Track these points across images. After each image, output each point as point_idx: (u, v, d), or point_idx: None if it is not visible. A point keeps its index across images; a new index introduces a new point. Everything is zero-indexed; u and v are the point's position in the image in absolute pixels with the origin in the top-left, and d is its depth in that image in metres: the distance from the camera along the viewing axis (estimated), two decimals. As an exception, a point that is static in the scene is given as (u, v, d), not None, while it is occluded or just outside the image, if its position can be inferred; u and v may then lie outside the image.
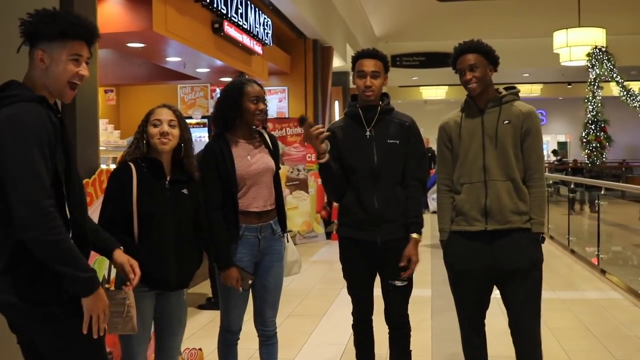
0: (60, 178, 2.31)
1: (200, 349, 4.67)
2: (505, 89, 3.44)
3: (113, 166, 3.94)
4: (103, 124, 7.61)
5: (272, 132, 10.51)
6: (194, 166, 3.19)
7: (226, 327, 3.57)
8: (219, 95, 3.62)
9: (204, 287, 6.82)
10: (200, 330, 5.63)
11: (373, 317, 3.67)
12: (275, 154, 3.60)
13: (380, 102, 3.54)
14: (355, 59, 3.53)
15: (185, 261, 3.12)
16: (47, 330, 2.31)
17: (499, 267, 3.31)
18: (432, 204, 9.49)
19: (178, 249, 3.06)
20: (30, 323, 2.31)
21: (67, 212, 2.35)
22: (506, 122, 3.31)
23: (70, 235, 2.33)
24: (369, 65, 3.45)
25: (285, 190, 9.92)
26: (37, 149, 2.17)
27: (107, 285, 2.87)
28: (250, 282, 3.42)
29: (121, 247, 2.76)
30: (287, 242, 3.69)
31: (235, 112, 3.45)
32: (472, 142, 3.35)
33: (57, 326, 2.30)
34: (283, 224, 3.63)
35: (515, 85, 3.51)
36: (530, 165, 3.33)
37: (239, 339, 3.61)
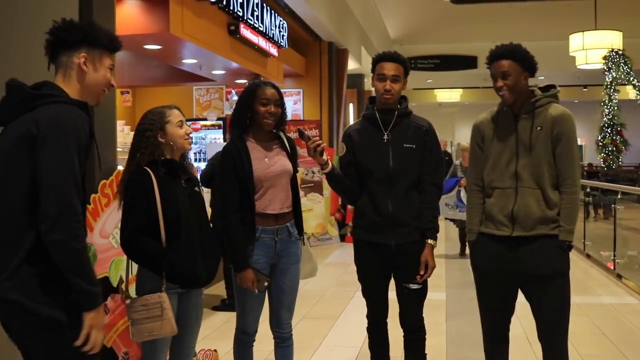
0: (85, 184, 2.32)
1: (215, 350, 4.69)
2: (543, 88, 3.33)
3: (120, 168, 3.93)
4: (120, 126, 7.67)
5: (287, 134, 10.51)
6: (191, 165, 3.29)
7: (242, 329, 3.58)
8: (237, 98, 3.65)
9: (219, 289, 6.83)
10: (215, 331, 5.64)
11: (388, 320, 3.68)
12: (293, 156, 3.60)
13: (398, 106, 3.53)
14: (376, 61, 3.50)
15: (210, 257, 3.18)
16: (44, 336, 2.25)
17: (522, 273, 3.27)
18: (445, 210, 9.11)
19: (202, 246, 3.13)
20: (29, 326, 2.24)
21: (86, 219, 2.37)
22: (539, 128, 3.23)
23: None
24: (390, 68, 3.43)
25: (300, 193, 9.93)
26: (76, 152, 2.18)
27: (122, 286, 2.91)
28: (265, 284, 3.43)
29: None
30: (304, 244, 3.70)
31: (247, 114, 3.48)
32: (505, 148, 3.29)
33: (55, 335, 2.25)
34: (300, 227, 3.63)
35: (553, 84, 3.38)
36: (562, 171, 3.24)
37: (254, 340, 3.62)
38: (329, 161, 3.44)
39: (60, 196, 2.14)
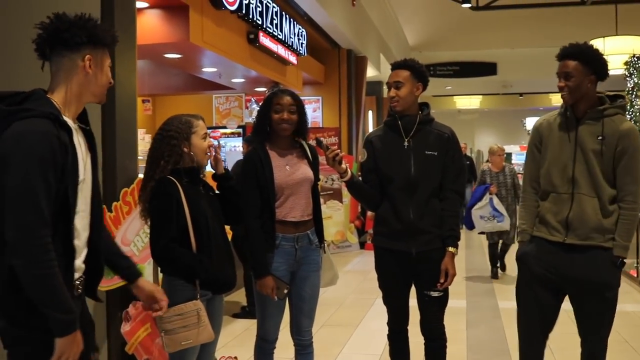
0: (70, 201, 2.18)
1: (235, 358, 4.70)
2: (611, 97, 3.26)
3: (140, 175, 3.95)
4: (140, 134, 7.73)
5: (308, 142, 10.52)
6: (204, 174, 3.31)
7: (262, 336, 3.59)
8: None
9: (239, 296, 6.85)
10: (236, 338, 5.66)
11: (408, 327, 3.67)
12: (314, 165, 3.62)
13: (420, 112, 3.54)
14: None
15: (233, 260, 3.23)
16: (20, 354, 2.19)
17: (571, 278, 3.22)
18: (480, 224, 8.21)
19: (227, 250, 3.18)
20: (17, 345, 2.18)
21: (75, 238, 2.24)
22: (600, 137, 3.15)
23: (83, 260, 2.30)
24: (392, 76, 3.51)
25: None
26: (40, 172, 2.05)
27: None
28: (285, 291, 3.44)
29: (142, 275, 2.77)
30: (324, 252, 3.70)
31: (266, 123, 3.51)
32: (562, 151, 3.23)
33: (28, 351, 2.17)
34: (320, 235, 3.64)
35: (621, 94, 3.31)
36: (623, 186, 3.17)
37: (275, 347, 3.63)
38: (348, 169, 3.45)
39: (17, 219, 2.03)
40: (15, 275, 2.07)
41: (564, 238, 3.22)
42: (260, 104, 3.63)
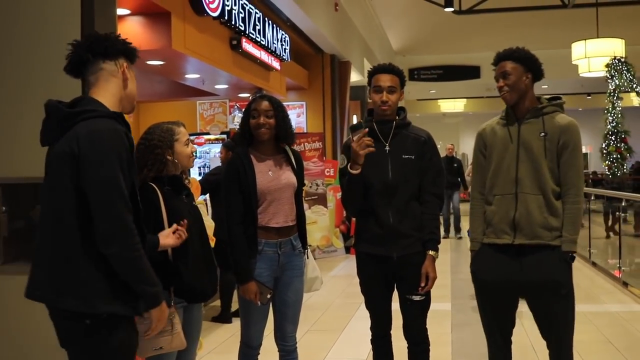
0: (137, 192, 2.45)
1: (220, 364, 4.68)
2: (549, 99, 3.35)
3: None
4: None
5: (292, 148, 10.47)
6: (189, 180, 3.34)
7: (246, 342, 3.58)
8: None
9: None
10: (221, 345, 5.64)
11: (392, 332, 3.67)
12: (299, 170, 3.62)
13: (397, 117, 3.55)
14: (372, 73, 3.54)
15: (213, 269, 3.23)
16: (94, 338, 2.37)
17: (524, 283, 3.26)
18: None
19: (206, 259, 3.17)
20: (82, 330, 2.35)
21: (143, 227, 2.48)
22: (543, 134, 3.23)
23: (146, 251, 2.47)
24: (385, 80, 3.47)
25: (304, 205, 9.94)
26: (118, 165, 2.29)
27: None
28: (269, 296, 3.45)
29: None
30: (308, 258, 3.70)
31: (245, 129, 3.54)
32: (506, 152, 3.29)
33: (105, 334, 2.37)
34: (304, 240, 3.65)
35: (559, 96, 3.40)
36: (566, 180, 3.23)
37: (259, 353, 3.62)
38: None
39: (109, 211, 2.26)
40: (106, 261, 2.30)
41: (513, 240, 3.25)
42: (244, 110, 3.64)
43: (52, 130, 2.38)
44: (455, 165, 13.43)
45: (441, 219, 12.00)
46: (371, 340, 3.70)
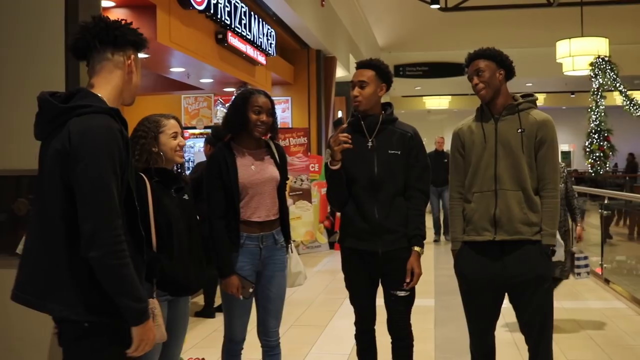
0: (133, 193, 2.34)
1: (203, 359, 4.68)
2: (522, 96, 3.38)
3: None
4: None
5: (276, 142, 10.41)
6: (184, 174, 3.32)
7: (229, 337, 3.58)
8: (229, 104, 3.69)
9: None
10: (204, 340, 5.63)
11: (376, 327, 3.67)
12: (282, 165, 3.62)
13: (383, 112, 3.54)
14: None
15: (200, 264, 3.22)
16: (86, 343, 2.26)
17: (507, 279, 3.29)
18: None
19: (193, 253, 3.16)
20: (76, 335, 2.26)
21: (141, 229, 2.37)
22: (520, 130, 3.26)
23: (144, 252, 2.39)
24: (357, 75, 3.48)
25: (289, 200, 9.92)
26: (109, 165, 2.16)
27: None
28: (251, 290, 3.44)
29: None
30: (292, 252, 3.70)
31: (238, 121, 3.49)
32: (484, 150, 3.31)
33: (97, 340, 2.26)
34: (287, 234, 3.65)
35: (533, 93, 3.44)
36: (543, 175, 3.27)
37: (242, 348, 3.62)
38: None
39: (93, 213, 2.13)
40: (78, 266, 2.17)
41: (494, 236, 3.27)
42: (227, 104, 3.64)
43: (46, 125, 2.27)
44: (446, 160, 12.32)
45: (431, 220, 11.84)
46: (355, 335, 3.70)
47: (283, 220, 3.63)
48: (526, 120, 3.28)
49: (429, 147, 10.99)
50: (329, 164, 3.45)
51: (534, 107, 3.36)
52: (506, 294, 3.40)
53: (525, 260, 3.26)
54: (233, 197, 3.44)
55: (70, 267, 2.20)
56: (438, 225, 12.10)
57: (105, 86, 2.34)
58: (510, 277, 3.27)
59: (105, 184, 2.14)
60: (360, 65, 3.54)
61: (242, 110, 3.47)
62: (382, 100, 3.61)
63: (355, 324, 3.68)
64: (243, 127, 3.50)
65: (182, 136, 3.23)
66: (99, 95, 2.31)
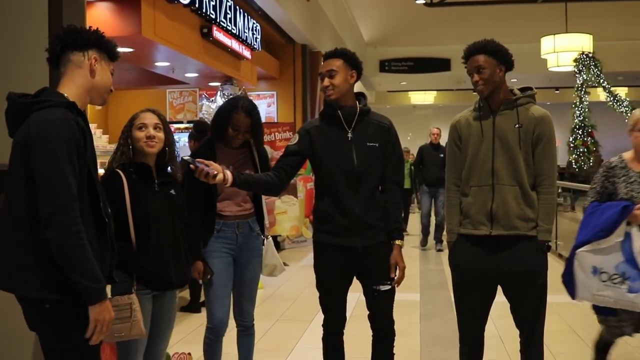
0: (94, 179, 2.46)
1: (189, 354, 4.67)
2: (521, 90, 3.36)
3: (101, 171, 3.94)
4: (92, 129, 7.60)
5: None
6: (177, 168, 3.35)
7: (210, 322, 3.74)
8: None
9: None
10: (190, 334, 5.61)
11: (358, 322, 3.62)
12: (262, 164, 3.77)
13: (358, 103, 3.44)
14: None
15: (182, 259, 3.21)
16: (53, 322, 2.38)
17: (501, 273, 3.29)
18: (591, 286, 5.46)
19: (174, 249, 3.16)
20: (40, 315, 2.39)
21: (104, 214, 2.49)
22: (518, 125, 3.25)
23: (108, 238, 2.51)
24: (325, 65, 3.41)
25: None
26: (64, 152, 2.30)
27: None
28: (208, 277, 3.64)
29: None
30: (266, 240, 3.88)
31: (219, 131, 3.71)
32: (482, 144, 3.29)
33: (62, 319, 2.38)
34: (261, 225, 3.83)
35: (530, 87, 3.40)
36: (541, 171, 3.27)
37: (222, 335, 3.75)
38: (227, 174, 3.18)
39: (49, 197, 2.28)
40: (41, 247, 2.31)
41: (490, 230, 3.27)
42: (211, 99, 3.74)
43: (11, 121, 2.44)
44: (442, 155, 9.68)
45: (417, 221, 11.49)
46: (323, 338, 3.60)
47: (258, 212, 3.81)
48: (524, 115, 3.27)
49: (417, 143, 10.83)
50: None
51: (532, 102, 3.34)
52: (500, 288, 3.41)
53: (520, 255, 3.26)
54: (211, 192, 3.61)
55: (33, 250, 2.34)
56: (427, 232, 10.51)
57: (70, 86, 2.48)
58: (505, 271, 3.28)
59: (59, 170, 2.29)
60: (327, 56, 3.43)
61: (225, 122, 3.65)
62: (361, 94, 3.54)
63: (324, 326, 3.59)
64: (223, 136, 3.68)
65: (164, 127, 3.18)
66: (63, 93, 2.45)
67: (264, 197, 3.94)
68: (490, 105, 3.32)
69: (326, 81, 3.37)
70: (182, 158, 3.29)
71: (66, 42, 2.49)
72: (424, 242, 10.50)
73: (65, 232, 2.27)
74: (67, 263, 2.30)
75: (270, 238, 3.93)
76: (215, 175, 3.12)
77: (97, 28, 2.60)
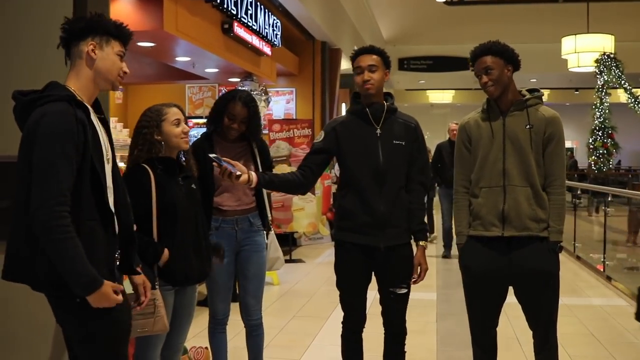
0: (97, 171, 2.41)
1: (206, 348, 4.68)
2: (529, 91, 3.36)
3: (122, 165, 3.98)
4: (112, 123, 7.65)
5: (280, 133, 10.36)
6: (192, 163, 3.36)
7: (212, 314, 3.78)
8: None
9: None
10: (205, 330, 5.63)
11: (367, 320, 3.60)
12: (262, 157, 3.78)
13: (385, 102, 3.45)
14: (354, 58, 3.44)
15: (203, 253, 3.23)
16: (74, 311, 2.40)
17: (514, 275, 3.28)
18: None
19: (196, 243, 3.18)
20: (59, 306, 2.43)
21: (111, 205, 2.47)
22: (529, 126, 3.25)
23: (118, 231, 2.51)
24: (365, 60, 3.37)
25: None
26: (59, 147, 2.29)
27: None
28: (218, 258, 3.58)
29: (140, 265, 2.83)
30: (270, 234, 3.84)
31: (216, 121, 3.72)
32: (492, 145, 3.28)
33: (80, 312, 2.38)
34: (264, 219, 3.79)
35: (539, 89, 3.42)
36: (551, 171, 3.26)
37: (226, 323, 3.80)
38: (252, 175, 3.22)
39: (38, 191, 2.27)
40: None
41: (502, 232, 3.26)
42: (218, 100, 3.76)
43: (19, 118, 2.46)
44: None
45: (434, 221, 11.40)
46: (342, 335, 3.61)
47: (260, 206, 3.78)
48: (534, 116, 3.27)
49: (434, 142, 10.68)
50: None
51: (540, 103, 3.35)
52: (512, 289, 3.39)
53: (533, 256, 3.25)
54: (208, 187, 3.60)
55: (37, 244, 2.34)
56: (450, 236, 9.32)
57: (74, 77, 2.49)
58: (517, 272, 3.27)
59: (52, 165, 2.28)
60: (364, 51, 3.41)
61: (221, 113, 3.67)
62: (388, 93, 3.56)
63: (344, 324, 3.60)
64: (219, 125, 3.69)
65: (186, 123, 3.23)
66: (68, 86, 2.45)
67: (265, 191, 3.84)
68: (499, 106, 3.31)
69: (367, 75, 3.35)
70: (208, 155, 3.27)
71: (67, 37, 2.49)
72: (447, 252, 9.49)
73: (47, 227, 2.25)
74: (53, 257, 2.28)
75: (273, 232, 3.88)
76: (239, 176, 3.14)
77: (98, 12, 2.56)
